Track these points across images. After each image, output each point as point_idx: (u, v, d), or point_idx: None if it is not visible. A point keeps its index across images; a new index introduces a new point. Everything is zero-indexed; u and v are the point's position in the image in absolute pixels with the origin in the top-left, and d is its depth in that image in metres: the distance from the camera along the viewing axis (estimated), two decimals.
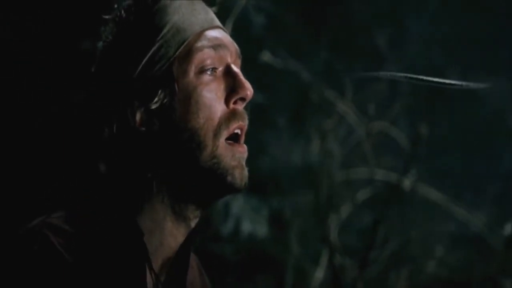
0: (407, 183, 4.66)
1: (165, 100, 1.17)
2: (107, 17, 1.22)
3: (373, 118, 4.50)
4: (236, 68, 1.23)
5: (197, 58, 1.19)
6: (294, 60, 4.22)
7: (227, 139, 1.20)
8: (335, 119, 4.50)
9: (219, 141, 1.19)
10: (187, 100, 1.18)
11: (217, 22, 1.25)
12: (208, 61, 1.19)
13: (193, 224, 1.21)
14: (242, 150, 1.22)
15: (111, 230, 1.13)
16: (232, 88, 1.21)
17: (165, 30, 1.20)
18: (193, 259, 1.27)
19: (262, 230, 4.59)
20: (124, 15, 1.22)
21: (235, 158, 1.20)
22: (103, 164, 1.21)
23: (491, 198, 5.12)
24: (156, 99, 1.17)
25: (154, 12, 1.21)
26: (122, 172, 1.20)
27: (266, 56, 3.82)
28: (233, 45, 1.24)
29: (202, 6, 1.25)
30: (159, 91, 1.18)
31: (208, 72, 1.19)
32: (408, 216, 5.13)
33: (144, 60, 1.19)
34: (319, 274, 4.66)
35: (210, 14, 1.24)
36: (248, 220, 4.62)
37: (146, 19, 1.21)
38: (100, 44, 1.22)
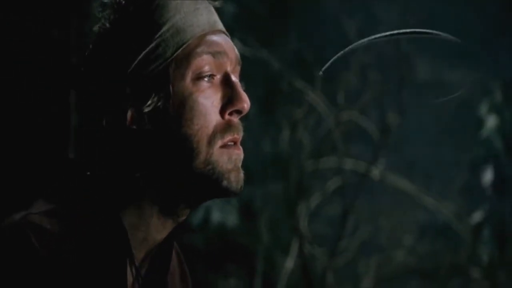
0: (376, 172, 4.68)
1: (159, 103, 1.13)
2: (106, 0, 1.18)
3: (342, 107, 4.51)
4: (234, 78, 1.18)
5: (195, 63, 1.15)
6: (264, 50, 4.22)
7: (221, 147, 1.16)
8: (304, 108, 4.51)
9: (213, 149, 1.14)
10: (182, 105, 1.14)
11: (220, 25, 1.20)
12: (206, 68, 1.15)
13: (181, 220, 1.19)
14: (239, 152, 1.17)
15: (94, 227, 1.11)
16: (229, 98, 1.16)
17: (164, 29, 1.16)
18: (174, 248, 1.26)
19: (232, 219, 4.58)
20: (123, 2, 1.17)
21: (231, 160, 1.16)
22: (90, 159, 1.18)
23: (459, 187, 5.17)
24: (149, 101, 1.13)
25: (155, 6, 1.17)
26: (109, 168, 1.16)
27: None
28: (233, 52, 1.19)
29: (205, 6, 1.20)
30: (153, 94, 1.14)
31: (206, 79, 1.15)
32: (377, 205, 5.16)
33: (140, 56, 1.14)
34: (289, 263, 4.67)
35: (213, 16, 1.19)
36: (218, 210, 4.62)
37: (146, 12, 1.17)
38: (96, 28, 1.18)
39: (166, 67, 1.15)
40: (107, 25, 1.17)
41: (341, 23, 4.60)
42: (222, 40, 1.19)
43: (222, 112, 1.16)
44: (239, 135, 1.17)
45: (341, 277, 4.90)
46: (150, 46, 1.15)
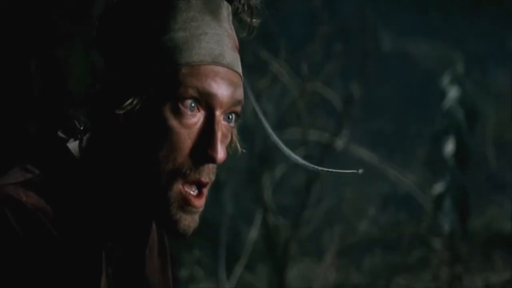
0: (339, 143, 4.70)
1: (136, 108, 1.05)
2: None
3: (306, 78, 4.52)
4: (216, 125, 1.07)
5: (181, 92, 1.05)
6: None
7: (182, 185, 1.06)
8: (268, 79, 4.51)
9: (173, 184, 1.06)
10: (156, 126, 1.05)
11: (225, 59, 1.08)
12: (190, 100, 1.05)
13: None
14: (197, 204, 1.07)
15: (71, 201, 1.05)
16: (204, 142, 1.06)
17: (164, 37, 1.05)
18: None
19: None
20: None
21: (185, 209, 1.07)
22: (71, 131, 1.11)
23: (421, 159, 5.21)
24: (127, 103, 1.04)
25: (168, 6, 1.06)
26: (88, 145, 1.09)
27: None
28: (228, 94, 1.07)
29: (216, 33, 1.08)
30: (132, 97, 1.05)
31: (189, 109, 1.05)
32: (340, 176, 5.18)
33: (134, 48, 1.06)
34: (253, 233, 4.69)
35: (220, 47, 1.08)
36: None
37: (156, 9, 1.07)
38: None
39: (151, 77, 1.06)
40: None
41: None
42: (219, 78, 1.07)
43: (194, 150, 1.07)
44: (206, 179, 1.07)
45: (304, 248, 4.93)
46: (143, 45, 1.06)
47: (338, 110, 4.65)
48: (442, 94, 4.91)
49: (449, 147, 4.93)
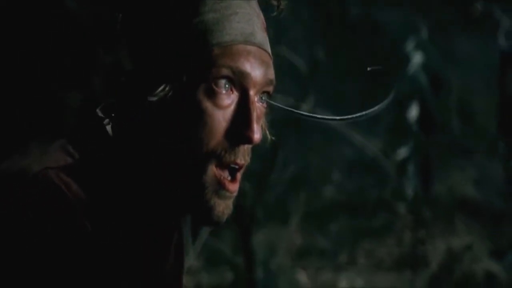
0: (305, 107, 4.72)
1: (169, 93, 1.03)
2: None
3: (271, 42, 4.53)
4: (251, 105, 1.05)
5: (213, 72, 1.04)
6: None
7: (217, 168, 1.05)
8: None
9: (207, 167, 1.05)
10: (190, 109, 1.04)
11: (256, 38, 1.08)
12: (224, 80, 1.04)
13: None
14: (232, 189, 1.07)
15: (107, 193, 1.05)
16: (240, 123, 1.05)
17: (194, 20, 1.04)
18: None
19: None
20: None
21: (220, 194, 1.06)
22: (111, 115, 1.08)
23: (386, 124, 5.25)
24: (159, 89, 1.03)
25: None
26: (127, 133, 1.07)
27: None
28: (261, 73, 1.07)
29: (246, 12, 1.08)
30: (164, 83, 1.03)
31: (223, 90, 1.04)
32: (306, 141, 5.22)
33: (164, 34, 1.04)
34: None
35: (251, 27, 1.08)
36: None
37: None
38: None
39: (183, 61, 1.05)
40: None
41: None
42: (251, 57, 1.07)
43: (229, 132, 1.06)
44: (241, 161, 1.07)
45: (270, 212, 4.96)
46: (173, 30, 1.05)
47: (303, 74, 4.67)
48: (406, 59, 4.94)
49: (413, 112, 4.96)
